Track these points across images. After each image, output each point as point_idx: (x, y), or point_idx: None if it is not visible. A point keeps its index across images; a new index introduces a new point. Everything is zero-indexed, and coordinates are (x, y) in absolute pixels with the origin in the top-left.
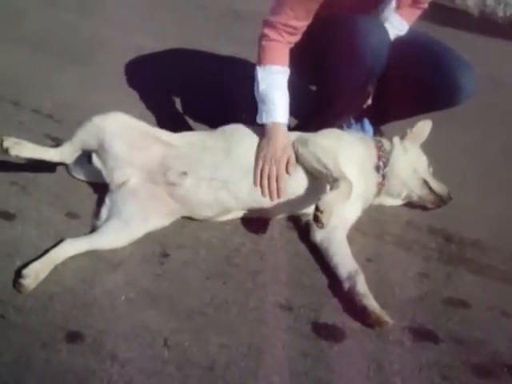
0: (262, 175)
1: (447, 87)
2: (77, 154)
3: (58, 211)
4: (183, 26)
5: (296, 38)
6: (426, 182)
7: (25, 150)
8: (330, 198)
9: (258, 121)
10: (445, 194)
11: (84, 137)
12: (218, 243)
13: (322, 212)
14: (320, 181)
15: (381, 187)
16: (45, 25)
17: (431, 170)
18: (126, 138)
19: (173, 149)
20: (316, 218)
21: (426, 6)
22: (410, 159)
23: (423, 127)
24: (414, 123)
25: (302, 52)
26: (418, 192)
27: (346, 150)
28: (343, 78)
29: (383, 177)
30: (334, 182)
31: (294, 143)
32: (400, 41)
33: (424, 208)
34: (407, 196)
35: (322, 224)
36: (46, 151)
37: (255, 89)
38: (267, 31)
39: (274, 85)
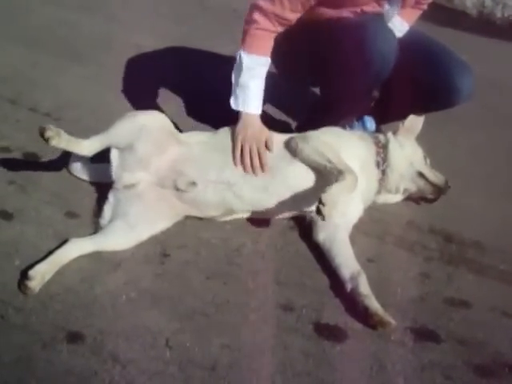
0: (243, 155)
1: (445, 88)
2: (101, 149)
3: (58, 210)
4: (183, 25)
5: (285, 28)
6: (422, 174)
7: (62, 141)
8: (334, 191)
9: (233, 105)
10: (442, 184)
11: (121, 132)
12: (219, 243)
13: (324, 204)
14: (323, 176)
15: (381, 183)
16: (44, 22)
17: (428, 161)
18: (156, 139)
19: (184, 149)
20: (318, 211)
21: (425, 7)
22: (406, 153)
23: (415, 121)
24: None
25: (308, 55)
26: (415, 184)
27: (347, 148)
28: (350, 82)
29: (383, 172)
30: (339, 174)
31: (294, 139)
32: (399, 41)
33: (424, 200)
34: (405, 190)
35: (323, 216)
36: (78, 144)
37: (235, 71)
38: (258, 17)
39: (257, 76)
